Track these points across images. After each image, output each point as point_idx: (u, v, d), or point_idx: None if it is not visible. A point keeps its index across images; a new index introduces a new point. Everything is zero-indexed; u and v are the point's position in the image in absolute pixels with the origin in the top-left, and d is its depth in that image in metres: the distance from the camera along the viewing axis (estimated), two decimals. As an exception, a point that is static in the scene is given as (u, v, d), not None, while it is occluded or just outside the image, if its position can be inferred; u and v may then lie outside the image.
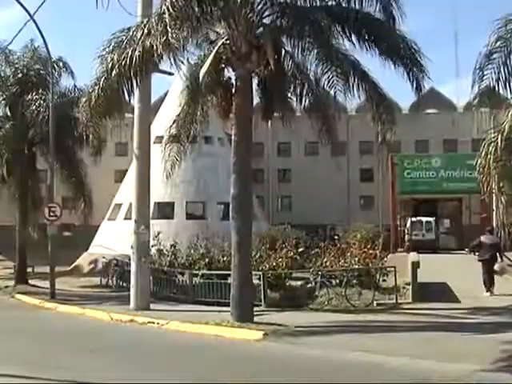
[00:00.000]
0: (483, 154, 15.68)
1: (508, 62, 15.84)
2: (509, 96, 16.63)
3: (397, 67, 19.70)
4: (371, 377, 13.01)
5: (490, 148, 15.43)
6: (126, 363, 14.42)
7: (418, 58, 19.57)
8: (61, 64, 34.74)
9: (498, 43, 15.87)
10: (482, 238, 26.74)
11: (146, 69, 18.93)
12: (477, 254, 26.98)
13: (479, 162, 15.86)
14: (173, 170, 24.21)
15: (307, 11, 18.95)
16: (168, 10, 16.92)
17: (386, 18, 19.64)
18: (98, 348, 16.24)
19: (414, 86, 19.82)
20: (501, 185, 15.48)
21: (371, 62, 20.15)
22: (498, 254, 26.90)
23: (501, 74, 15.93)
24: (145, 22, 18.48)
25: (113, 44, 19.12)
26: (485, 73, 16.05)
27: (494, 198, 15.89)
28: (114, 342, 17.72)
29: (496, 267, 26.52)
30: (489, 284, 25.65)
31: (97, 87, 19.65)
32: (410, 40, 19.66)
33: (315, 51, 19.43)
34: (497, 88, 16.06)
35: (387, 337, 17.28)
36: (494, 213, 15.93)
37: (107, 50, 19.22)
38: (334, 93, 20.14)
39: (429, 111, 61.58)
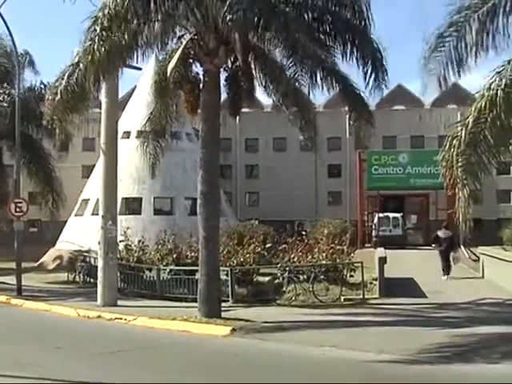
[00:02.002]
0: (447, 147, 15.75)
1: (459, 46, 15.88)
2: (456, 79, 16.68)
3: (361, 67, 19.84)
4: (338, 372, 13.09)
5: (455, 141, 15.51)
6: (93, 360, 14.33)
7: (381, 60, 19.72)
8: (27, 58, 34.43)
9: (451, 29, 15.91)
10: (439, 233, 31.49)
11: (113, 64, 18.76)
12: (435, 246, 31.55)
13: (443, 155, 15.93)
14: (154, 168, 24.09)
15: (276, 5, 18.92)
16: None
17: (357, 19, 19.73)
18: (65, 344, 16.14)
19: (375, 86, 19.97)
20: (464, 177, 15.56)
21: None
22: (452, 246, 30.91)
23: (452, 57, 15.97)
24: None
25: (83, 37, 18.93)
26: (436, 55, 16.10)
27: (457, 192, 15.93)
28: (81, 339, 17.63)
29: (451, 257, 30.63)
30: (446, 270, 29.83)
31: (63, 81, 19.51)
32: (376, 42, 19.80)
33: (283, 45, 19.44)
34: (446, 72, 16.08)
35: (354, 332, 17.40)
36: (457, 207, 15.93)
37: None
38: (308, 88, 20.22)
39: (396, 108, 61.88)
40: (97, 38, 17.72)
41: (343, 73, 20.66)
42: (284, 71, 20.86)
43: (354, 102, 21.03)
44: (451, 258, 30.69)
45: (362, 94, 20.88)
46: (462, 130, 15.41)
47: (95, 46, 17.68)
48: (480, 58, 15.88)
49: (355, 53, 19.50)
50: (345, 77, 20.71)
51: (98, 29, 17.74)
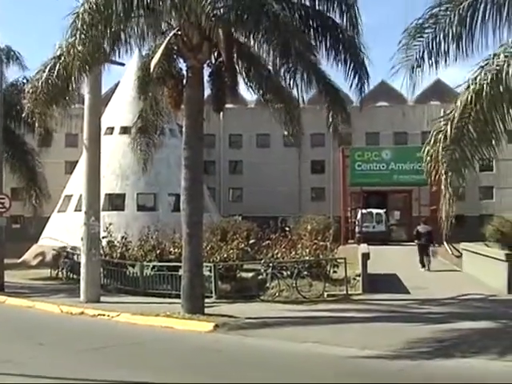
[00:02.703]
0: (432, 142, 15.79)
1: (437, 39, 15.92)
2: (433, 70, 16.72)
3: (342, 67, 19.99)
4: (321, 368, 13.12)
5: (440, 136, 15.55)
6: (76, 356, 14.29)
7: (362, 60, 19.85)
8: (12, 53, 34.21)
9: (431, 21, 15.96)
10: (418, 228, 33.55)
11: (95, 59, 18.65)
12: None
13: (427, 150, 15.97)
14: (147, 163, 24.08)
15: (264, 4, 18.90)
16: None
17: (344, 20, 19.84)
18: (48, 341, 16.11)
19: (357, 86, 20.10)
20: (448, 173, 15.61)
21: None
22: (431, 240, 32.59)
23: (429, 48, 16.01)
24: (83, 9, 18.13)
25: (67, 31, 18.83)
26: (414, 43, 16.15)
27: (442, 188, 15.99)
28: (64, 335, 17.58)
29: (430, 251, 32.11)
30: (426, 263, 31.43)
31: (44, 74, 19.42)
32: (361, 43, 19.93)
33: (272, 44, 19.45)
34: (424, 62, 16.12)
35: (337, 328, 17.44)
36: (441, 204, 16.00)
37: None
38: (293, 84, 20.23)
39: (379, 104, 62.02)
40: (78, 32, 17.63)
41: (324, 71, 20.73)
42: (268, 68, 20.91)
43: (333, 101, 21.14)
44: (430, 252, 32.12)
45: (341, 93, 21.04)
46: (447, 124, 15.44)
47: (77, 41, 17.60)
48: (459, 52, 15.93)
49: (340, 54, 19.63)
50: (325, 76, 20.78)
51: (80, 24, 17.64)
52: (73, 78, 18.81)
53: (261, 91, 22.41)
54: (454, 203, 15.77)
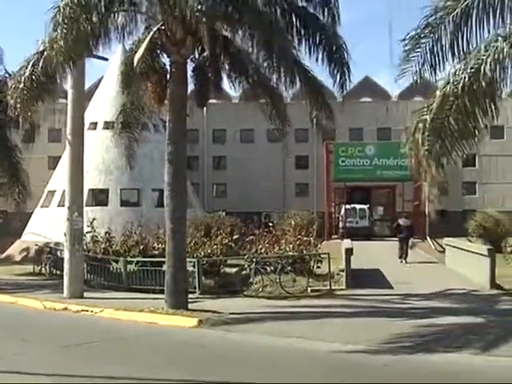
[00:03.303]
0: (412, 132, 15.89)
1: (434, 49, 16.04)
2: (433, 80, 16.81)
3: (325, 65, 20.02)
4: (305, 362, 13.15)
5: (420, 125, 15.62)
6: (59, 352, 14.24)
7: (344, 57, 19.90)
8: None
9: (427, 30, 16.06)
10: (400, 222, 35.13)
11: (78, 53, 18.52)
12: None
13: (407, 139, 16.05)
14: (130, 158, 23.98)
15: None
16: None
17: (325, 15, 19.84)
18: (31, 337, 16.02)
19: (339, 82, 20.15)
20: (430, 165, 15.69)
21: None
22: (411, 233, 34.32)
23: (427, 59, 16.12)
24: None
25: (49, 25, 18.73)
26: (412, 55, 16.25)
27: (426, 183, 16.11)
28: (47, 331, 17.53)
29: (410, 242, 33.68)
30: (404, 255, 32.96)
31: (27, 69, 19.33)
32: (343, 39, 20.00)
33: (251, 39, 19.45)
34: (422, 72, 16.23)
35: (320, 323, 17.47)
36: (426, 197, 16.08)
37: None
38: (276, 80, 20.26)
39: (363, 100, 62.11)
40: (60, 27, 17.53)
41: (307, 67, 20.75)
42: (253, 62, 20.91)
43: (316, 97, 21.18)
44: (409, 244, 33.78)
45: (324, 89, 21.11)
46: (427, 114, 15.52)
47: (59, 36, 17.49)
48: (455, 58, 16.04)
49: (322, 50, 19.66)
50: (308, 71, 20.80)
51: (61, 18, 17.54)
52: (56, 73, 18.73)
53: (245, 86, 22.36)
54: (435, 195, 15.88)
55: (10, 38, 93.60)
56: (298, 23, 19.66)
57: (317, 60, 19.82)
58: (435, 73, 16.35)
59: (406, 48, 16.33)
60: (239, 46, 20.71)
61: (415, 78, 16.49)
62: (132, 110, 22.77)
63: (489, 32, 15.68)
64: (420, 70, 16.34)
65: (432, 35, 16.06)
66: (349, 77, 20.10)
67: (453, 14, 15.78)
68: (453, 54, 16.01)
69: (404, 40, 16.35)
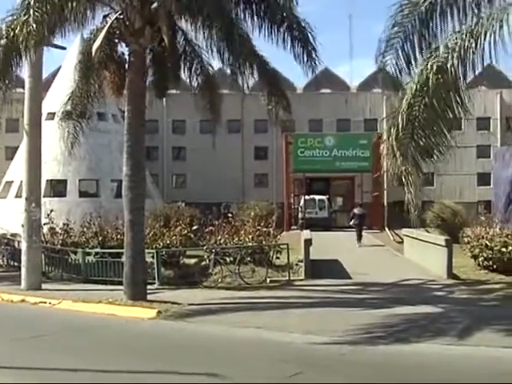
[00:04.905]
0: (387, 138, 15.99)
1: (405, 47, 16.16)
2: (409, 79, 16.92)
3: (291, 48, 20.00)
4: (263, 353, 13.19)
5: (392, 130, 15.71)
6: (14, 344, 14.08)
7: (311, 40, 19.92)
8: None
9: (395, 29, 16.17)
10: (355, 210, 39.07)
11: (36, 42, 18.27)
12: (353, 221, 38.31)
13: (384, 145, 16.16)
14: (73, 147, 23.67)
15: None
16: None
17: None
18: (-13, 329, 15.90)
19: (307, 65, 20.18)
20: (407, 166, 15.81)
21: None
22: (364, 220, 39.51)
23: (399, 58, 16.24)
24: None
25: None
26: (386, 58, 16.35)
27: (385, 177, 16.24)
28: (5, 323, 17.34)
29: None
30: (359, 239, 36.96)
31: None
32: (305, 22, 19.97)
33: (213, 30, 19.41)
34: (397, 73, 16.36)
35: (280, 313, 17.54)
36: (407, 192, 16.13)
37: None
38: (236, 70, 20.23)
39: (323, 91, 62.26)
40: (16, 15, 17.33)
41: (265, 58, 20.78)
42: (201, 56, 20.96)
43: (273, 89, 21.23)
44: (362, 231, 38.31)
45: (282, 80, 21.16)
46: (398, 117, 15.61)
47: (15, 24, 17.27)
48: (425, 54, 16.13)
49: (285, 33, 19.68)
50: (266, 62, 20.83)
51: (17, 6, 17.37)
52: (13, 61, 18.49)
53: (197, 78, 22.36)
54: (414, 194, 16.01)
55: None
56: (258, 11, 19.65)
57: (278, 41, 19.84)
58: (409, 71, 16.45)
59: (379, 52, 16.43)
60: (198, 37, 20.69)
61: (394, 79, 16.62)
62: (82, 98, 22.44)
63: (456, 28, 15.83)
64: (395, 71, 16.45)
65: (401, 34, 16.18)
66: (315, 55, 20.14)
67: (419, 11, 15.91)
68: (420, 52, 16.14)
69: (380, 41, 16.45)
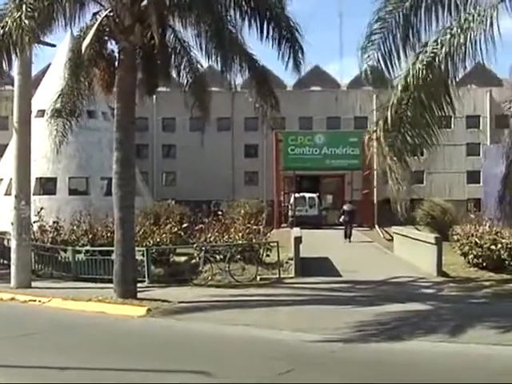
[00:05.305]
0: (373, 129, 15.95)
1: (387, 42, 16.16)
2: (391, 74, 16.91)
3: (279, 48, 20.03)
4: (253, 350, 13.19)
5: (380, 123, 15.69)
6: (5, 342, 14.05)
7: (298, 40, 19.94)
8: None
9: (378, 24, 16.17)
10: (344, 207, 40.33)
11: (26, 39, 18.17)
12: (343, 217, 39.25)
13: (369, 138, 16.11)
14: (61, 145, 23.55)
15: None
16: None
17: None
18: (-24, 327, 15.84)
19: (293, 65, 20.22)
20: (393, 161, 15.79)
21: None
22: (354, 217, 40.44)
23: (381, 54, 16.23)
24: None
25: None
26: (368, 53, 16.34)
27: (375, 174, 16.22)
28: (-6, 321, 17.32)
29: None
30: (348, 236, 38.03)
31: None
32: (293, 21, 20.01)
33: (203, 28, 19.40)
34: (380, 67, 16.35)
35: (269, 311, 17.50)
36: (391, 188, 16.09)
37: None
38: (226, 68, 20.22)
39: (313, 89, 62.30)
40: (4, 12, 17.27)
41: (254, 56, 20.78)
42: (202, 52, 20.91)
43: (262, 87, 21.24)
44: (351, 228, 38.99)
45: (270, 78, 21.13)
46: (387, 111, 15.59)
47: (6, 19, 17.19)
48: (408, 52, 16.13)
49: (272, 31, 19.67)
50: (255, 60, 20.83)
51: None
52: (2, 58, 18.40)
53: (187, 76, 22.35)
54: (403, 189, 16.00)
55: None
56: (247, 9, 19.65)
57: (267, 38, 19.84)
58: (392, 67, 16.44)
59: (361, 46, 16.42)
60: (188, 34, 20.68)
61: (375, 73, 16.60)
62: (71, 96, 22.32)
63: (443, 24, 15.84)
64: (377, 65, 16.44)
65: (384, 29, 16.17)
66: (302, 54, 20.16)
67: (402, 7, 15.92)
68: (404, 45, 16.15)
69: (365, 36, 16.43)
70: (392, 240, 33.76)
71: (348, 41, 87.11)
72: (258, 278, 23.50)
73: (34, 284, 22.91)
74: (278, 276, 23.62)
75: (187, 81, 22.40)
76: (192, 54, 21.65)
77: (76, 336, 15.02)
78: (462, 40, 14.44)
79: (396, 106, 15.39)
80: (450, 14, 15.70)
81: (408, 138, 15.93)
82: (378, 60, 16.37)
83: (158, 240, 25.50)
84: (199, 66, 22.09)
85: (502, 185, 18.47)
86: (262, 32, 19.77)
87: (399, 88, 15.39)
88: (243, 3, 19.73)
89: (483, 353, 12.67)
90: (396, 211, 16.84)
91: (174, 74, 22.31)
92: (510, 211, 18.15)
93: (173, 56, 21.61)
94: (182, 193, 54.77)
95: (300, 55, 20.19)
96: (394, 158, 15.88)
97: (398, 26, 16.08)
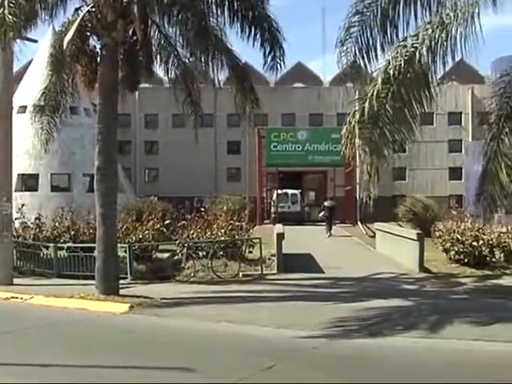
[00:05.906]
0: (348, 122, 15.93)
1: (365, 35, 16.19)
2: (368, 68, 16.93)
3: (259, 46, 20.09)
4: (234, 346, 13.21)
5: (356, 115, 15.69)
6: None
7: (278, 39, 19.99)
8: None
9: (356, 17, 16.19)
10: (325, 203, 41.91)
11: (9, 35, 18.06)
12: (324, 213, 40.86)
13: (344, 130, 16.09)
14: (49, 142, 23.45)
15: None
16: None
17: None
18: (-43, 324, 15.76)
19: (271, 64, 20.29)
20: (367, 154, 15.81)
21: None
22: (334, 212, 41.81)
23: (359, 46, 16.26)
24: None
25: None
26: (346, 47, 16.35)
27: (358, 170, 16.28)
28: (-25, 318, 17.24)
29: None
30: (328, 231, 39.23)
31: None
32: (274, 20, 20.08)
33: (185, 24, 19.40)
34: (358, 61, 16.37)
35: (252, 307, 17.52)
36: (358, 186, 16.17)
37: None
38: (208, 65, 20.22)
39: (296, 85, 62.37)
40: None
41: (235, 52, 20.80)
42: (185, 48, 20.89)
43: (242, 84, 21.27)
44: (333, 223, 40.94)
45: (251, 75, 21.15)
46: (364, 102, 15.60)
47: (6, 11, 17.08)
48: (386, 46, 16.17)
49: (253, 31, 19.70)
50: (236, 57, 20.84)
51: None
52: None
53: (173, 72, 22.35)
54: (376, 184, 16.00)
55: None
56: (230, 6, 19.67)
57: (252, 43, 19.90)
58: (369, 60, 16.47)
59: (339, 40, 16.44)
60: (172, 30, 20.66)
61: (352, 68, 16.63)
62: (56, 93, 22.26)
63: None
64: (355, 59, 16.47)
65: (362, 23, 16.21)
66: (281, 54, 20.20)
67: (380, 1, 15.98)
68: (383, 38, 16.19)
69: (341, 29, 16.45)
70: (374, 236, 33.85)
71: (331, 37, 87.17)
72: (241, 274, 23.53)
73: (15, 281, 22.80)
74: (260, 272, 23.65)
75: (176, 76, 22.40)
76: (178, 48, 21.65)
77: (58, 333, 15.02)
78: (443, 35, 14.48)
79: (374, 98, 15.38)
80: (430, 9, 15.76)
81: (387, 132, 15.94)
82: (355, 53, 16.40)
83: (141, 236, 25.45)
84: (187, 60, 22.06)
85: (480, 181, 18.57)
86: (243, 30, 19.82)
87: (379, 80, 15.39)
88: (227, 2, 19.74)
89: (463, 348, 12.75)
90: (364, 204, 16.86)
91: (160, 69, 22.41)
92: (488, 208, 18.24)
93: (159, 52, 21.60)
94: (165, 189, 54.72)
95: (279, 53, 20.24)
96: (366, 150, 15.90)
97: (375, 19, 16.11)
